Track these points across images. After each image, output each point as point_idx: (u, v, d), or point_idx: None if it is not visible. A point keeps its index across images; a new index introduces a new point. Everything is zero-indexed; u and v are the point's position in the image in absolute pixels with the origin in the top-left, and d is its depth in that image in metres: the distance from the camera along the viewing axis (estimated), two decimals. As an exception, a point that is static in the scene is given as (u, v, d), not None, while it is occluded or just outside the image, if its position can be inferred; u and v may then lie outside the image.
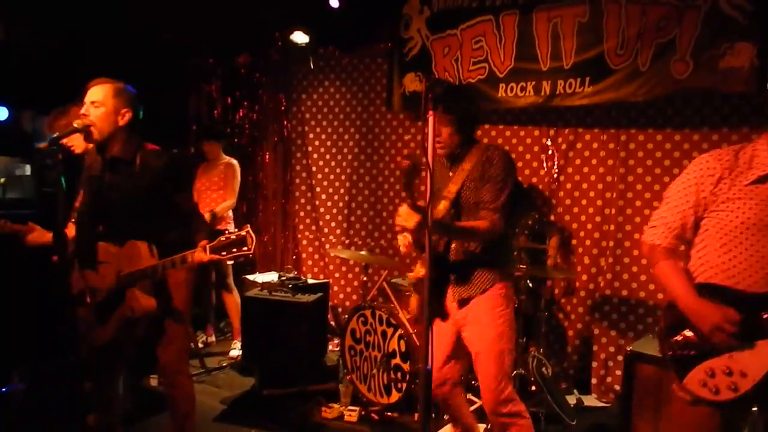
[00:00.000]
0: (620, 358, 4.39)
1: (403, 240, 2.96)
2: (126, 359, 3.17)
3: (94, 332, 2.95)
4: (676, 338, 2.19)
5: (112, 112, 2.90)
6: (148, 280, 2.88)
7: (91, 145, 3.87)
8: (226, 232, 2.72)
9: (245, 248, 2.60)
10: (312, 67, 5.95)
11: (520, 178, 4.92)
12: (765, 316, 2.02)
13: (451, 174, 2.95)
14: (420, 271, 2.96)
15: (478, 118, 3.07)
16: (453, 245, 2.93)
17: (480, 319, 2.88)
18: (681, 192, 2.24)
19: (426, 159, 2.03)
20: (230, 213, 5.50)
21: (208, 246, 2.68)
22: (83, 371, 2.95)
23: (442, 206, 2.91)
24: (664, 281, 2.28)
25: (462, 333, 2.97)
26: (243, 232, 2.61)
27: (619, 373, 4.39)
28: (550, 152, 4.88)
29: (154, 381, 4.63)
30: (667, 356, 2.22)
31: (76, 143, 3.92)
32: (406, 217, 2.58)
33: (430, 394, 2.16)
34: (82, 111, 2.91)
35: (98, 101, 2.89)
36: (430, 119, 2.02)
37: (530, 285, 4.39)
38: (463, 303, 2.92)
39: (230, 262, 5.37)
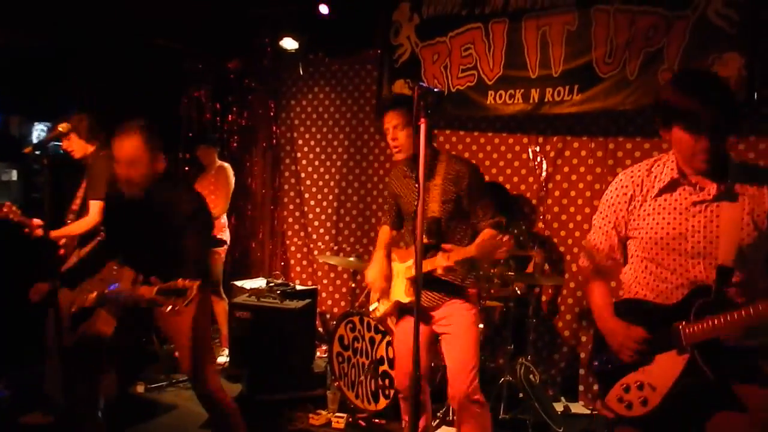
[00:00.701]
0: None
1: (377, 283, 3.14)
2: (100, 368, 3.11)
3: (66, 335, 2.94)
4: (602, 354, 2.23)
5: (150, 162, 2.86)
6: (114, 306, 2.84)
7: (91, 148, 3.88)
8: (225, 246, 2.68)
9: (182, 299, 2.51)
10: (301, 73, 5.95)
11: (508, 186, 4.94)
12: (675, 327, 2.03)
13: (416, 186, 2.92)
14: (380, 308, 3.20)
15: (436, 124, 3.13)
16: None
17: (453, 313, 3.03)
18: (602, 214, 2.31)
19: (420, 172, 2.03)
20: (224, 219, 5.47)
21: (157, 286, 2.58)
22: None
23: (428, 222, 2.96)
24: (589, 301, 2.35)
25: (436, 330, 3.10)
26: (188, 285, 2.51)
27: (606, 380, 4.39)
28: (538, 160, 4.89)
29: (141, 388, 4.60)
30: (593, 371, 2.27)
31: (75, 148, 3.92)
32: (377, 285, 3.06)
33: (418, 400, 2.15)
34: (120, 172, 2.85)
35: (134, 159, 2.81)
36: (422, 127, 2.02)
37: (518, 292, 4.39)
38: (435, 308, 3.06)
39: (220, 269, 5.35)
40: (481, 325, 4.09)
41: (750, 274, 2.02)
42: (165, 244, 2.83)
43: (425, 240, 2.96)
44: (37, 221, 3.76)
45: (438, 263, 2.83)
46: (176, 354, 3.17)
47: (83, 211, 3.89)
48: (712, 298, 1.99)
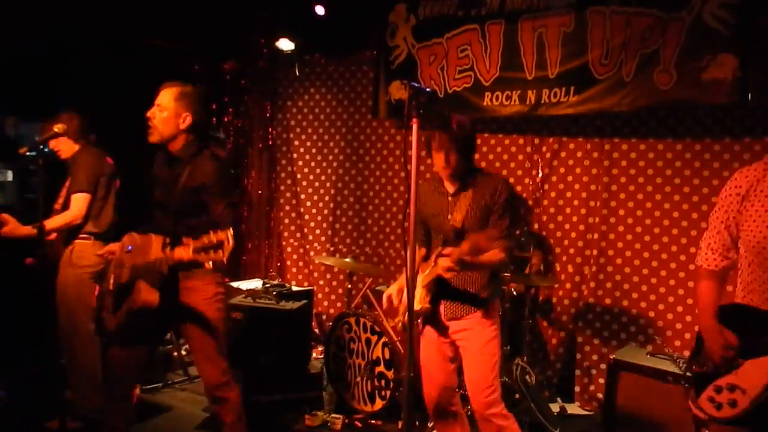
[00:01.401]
0: (603, 366, 4.40)
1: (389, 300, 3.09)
2: (142, 359, 3.12)
3: (107, 319, 2.94)
4: (700, 356, 2.26)
5: (173, 116, 2.96)
6: (156, 275, 2.82)
7: (77, 148, 3.87)
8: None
9: (220, 251, 2.56)
10: (297, 74, 5.95)
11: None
12: None
13: (450, 200, 3.01)
14: (416, 305, 3.02)
15: (475, 142, 3.10)
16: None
17: (474, 326, 2.99)
18: (716, 213, 2.30)
19: (411, 172, 2.03)
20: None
21: (192, 244, 2.65)
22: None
23: (447, 231, 3.00)
24: (698, 301, 2.36)
25: (456, 342, 3.06)
26: (222, 237, 2.56)
27: (602, 381, 4.40)
28: (534, 161, 4.90)
29: (137, 389, 4.58)
30: (691, 372, 2.30)
31: (63, 148, 3.91)
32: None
33: (413, 401, 2.15)
34: (149, 113, 2.97)
35: (162, 104, 2.96)
36: (414, 127, 2.02)
37: (514, 293, 4.39)
38: (454, 320, 3.03)
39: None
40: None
41: None
42: (194, 207, 2.92)
43: (441, 249, 3.00)
44: (5, 218, 3.71)
45: (441, 265, 2.84)
46: (197, 356, 3.09)
47: (66, 208, 3.83)
48: None
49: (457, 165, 2.92)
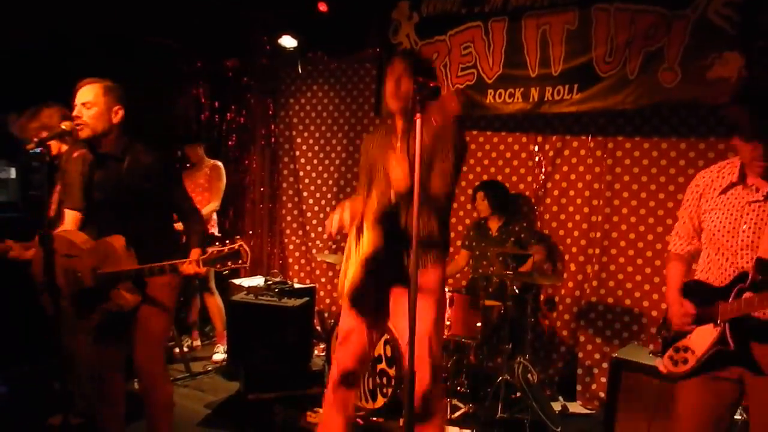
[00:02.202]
0: (605, 365, 4.39)
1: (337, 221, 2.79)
2: (122, 352, 3.11)
3: (76, 324, 2.94)
4: (666, 324, 2.68)
5: (105, 110, 2.92)
6: (131, 279, 2.85)
7: (65, 147, 3.79)
8: (217, 244, 2.71)
9: (240, 261, 2.67)
10: (300, 71, 5.94)
11: (507, 184, 4.92)
12: (716, 305, 2.40)
13: (397, 144, 2.82)
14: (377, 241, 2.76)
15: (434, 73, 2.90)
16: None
17: (427, 286, 2.78)
18: (683, 207, 2.70)
19: (415, 158, 2.02)
20: (214, 216, 5.47)
21: (200, 259, 2.70)
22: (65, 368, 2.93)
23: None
24: (666, 279, 2.80)
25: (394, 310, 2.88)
26: (236, 246, 2.64)
27: (603, 380, 4.39)
28: (537, 159, 4.89)
29: (136, 384, 4.56)
30: (661, 336, 2.69)
31: (51, 145, 3.83)
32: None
33: (413, 397, 2.14)
34: (75, 113, 2.91)
35: (89, 101, 2.90)
36: (418, 122, 2.01)
37: (516, 291, 4.38)
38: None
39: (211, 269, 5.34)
40: (479, 324, 4.10)
41: None
42: (142, 202, 2.91)
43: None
44: (9, 244, 3.66)
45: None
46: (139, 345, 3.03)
47: (59, 217, 3.59)
48: (748, 284, 2.34)
49: (408, 95, 2.64)
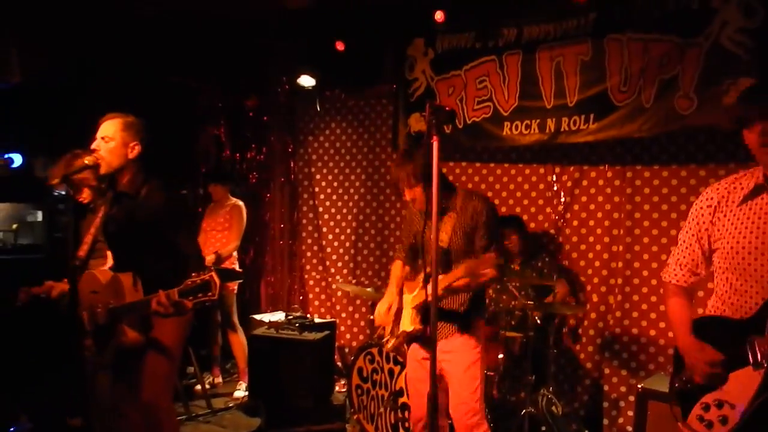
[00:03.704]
0: (632, 398, 4.30)
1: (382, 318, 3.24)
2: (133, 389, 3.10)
3: (94, 360, 2.95)
4: (681, 374, 2.20)
5: (122, 145, 2.98)
6: (135, 314, 2.87)
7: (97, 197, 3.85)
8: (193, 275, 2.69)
9: (210, 293, 2.57)
10: (318, 109, 6.04)
11: (525, 217, 4.92)
12: (751, 341, 1.96)
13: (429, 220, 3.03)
14: (390, 341, 3.25)
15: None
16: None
17: (457, 348, 3.05)
18: (686, 228, 2.29)
19: (433, 188, 2.05)
20: (235, 254, 5.50)
21: (175, 290, 2.62)
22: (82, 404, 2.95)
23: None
24: (669, 319, 2.36)
25: (440, 362, 2.99)
26: (206, 276, 2.57)
27: (630, 413, 4.29)
28: (555, 190, 4.89)
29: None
30: (674, 390, 2.23)
31: (84, 195, 3.90)
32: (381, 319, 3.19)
33: (436, 420, 2.13)
34: (93, 146, 2.98)
35: (108, 136, 2.97)
36: (434, 145, 2.05)
37: (538, 322, 4.33)
38: (439, 338, 2.95)
39: (232, 302, 5.37)
40: (501, 356, 4.05)
41: None
42: (154, 244, 2.93)
43: (429, 270, 2.95)
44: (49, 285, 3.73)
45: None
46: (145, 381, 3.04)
47: (90, 257, 3.78)
48: None
49: (421, 199, 3.03)
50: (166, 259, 2.92)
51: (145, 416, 3.07)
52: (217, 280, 2.56)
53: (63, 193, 2.91)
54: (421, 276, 3.06)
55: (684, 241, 2.29)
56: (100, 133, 2.99)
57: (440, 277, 2.84)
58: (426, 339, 3.05)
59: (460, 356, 3.03)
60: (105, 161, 2.94)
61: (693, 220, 2.25)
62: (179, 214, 3.04)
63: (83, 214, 3.86)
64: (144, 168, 3.05)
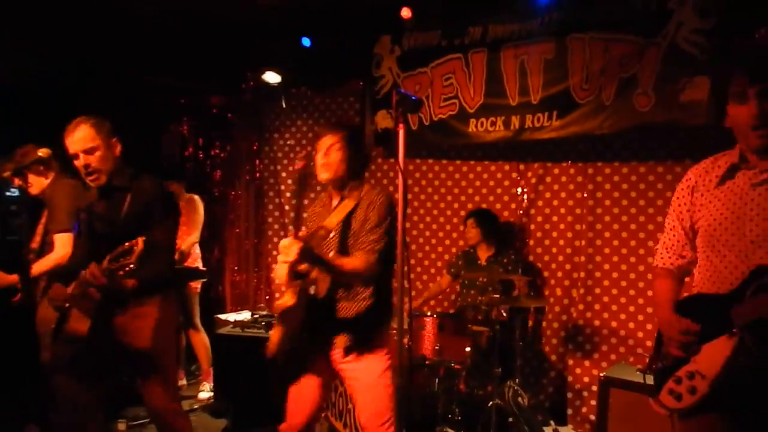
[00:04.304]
0: (594, 387, 4.39)
1: (280, 271, 2.69)
2: (93, 392, 3.05)
3: (45, 353, 2.91)
4: (660, 352, 2.22)
5: (107, 148, 2.93)
6: (89, 303, 2.80)
7: (47, 182, 3.76)
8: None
9: (128, 258, 2.56)
10: (284, 106, 6.02)
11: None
12: (727, 312, 1.97)
13: (331, 207, 2.88)
14: (288, 300, 2.73)
15: (368, 160, 3.02)
16: (339, 293, 2.82)
17: (364, 357, 2.81)
18: (670, 211, 2.31)
19: (399, 167, 2.07)
20: (197, 250, 5.44)
21: (106, 258, 2.63)
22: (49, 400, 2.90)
23: (320, 236, 2.79)
24: (654, 301, 2.36)
25: (342, 372, 2.89)
26: (133, 241, 2.56)
27: (593, 402, 4.39)
28: (520, 186, 4.97)
29: (122, 426, 4.49)
30: (654, 369, 2.23)
31: (34, 183, 3.81)
32: (287, 249, 2.46)
33: (405, 410, 2.14)
34: (81, 164, 2.89)
35: (90, 146, 2.89)
36: (401, 133, 2.07)
37: (504, 315, 4.40)
38: (348, 351, 2.83)
39: (196, 301, 5.31)
40: (468, 349, 4.10)
41: None
42: (139, 233, 2.81)
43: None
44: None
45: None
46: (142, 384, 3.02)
47: (44, 247, 3.65)
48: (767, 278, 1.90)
49: (339, 168, 2.78)
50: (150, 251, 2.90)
51: (157, 422, 3.07)
52: (140, 245, 2.53)
53: (16, 193, 2.86)
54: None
55: (668, 224, 2.32)
56: (76, 148, 2.89)
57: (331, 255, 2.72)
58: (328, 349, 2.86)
59: (368, 365, 2.80)
60: (102, 172, 2.90)
61: (675, 202, 2.28)
62: (165, 205, 3.01)
63: (34, 209, 3.80)
64: (129, 162, 3.02)
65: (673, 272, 2.31)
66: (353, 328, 2.80)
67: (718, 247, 2.06)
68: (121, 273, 2.58)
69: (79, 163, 2.90)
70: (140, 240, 2.55)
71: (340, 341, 2.82)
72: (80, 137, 2.89)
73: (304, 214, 3.17)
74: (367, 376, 2.80)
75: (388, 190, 5.44)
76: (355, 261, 2.69)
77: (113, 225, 2.92)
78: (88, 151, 2.87)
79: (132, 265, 2.55)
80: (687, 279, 2.31)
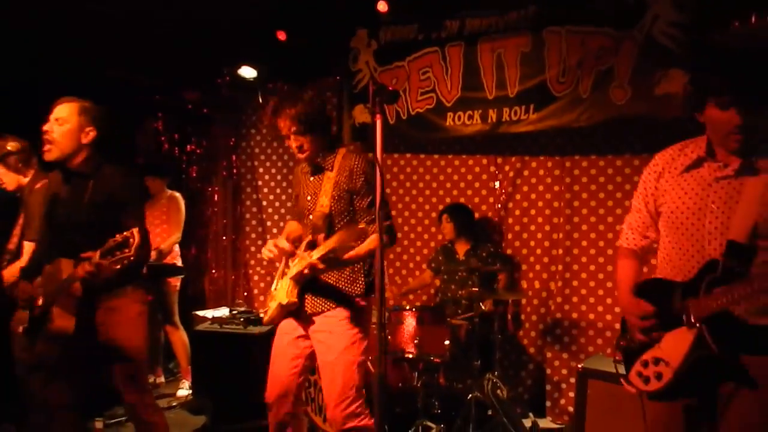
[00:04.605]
0: (572, 380, 4.42)
1: (270, 252, 2.97)
2: (69, 391, 3.00)
3: (22, 353, 2.85)
4: (626, 333, 2.28)
5: (77, 129, 2.89)
6: (71, 299, 2.77)
7: (25, 180, 3.69)
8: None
9: (126, 250, 2.53)
10: (261, 101, 5.96)
11: (469, 206, 4.99)
12: (685, 303, 2.04)
13: (312, 180, 2.95)
14: (291, 298, 2.83)
15: (330, 121, 3.03)
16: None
17: (334, 328, 2.85)
18: (636, 194, 2.35)
19: (377, 165, 2.05)
20: (177, 248, 5.39)
21: (97, 252, 2.60)
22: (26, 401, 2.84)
23: (316, 217, 2.87)
24: (615, 279, 2.43)
25: (314, 340, 2.93)
26: (127, 233, 2.53)
27: (572, 394, 4.41)
28: (497, 180, 4.98)
29: (99, 424, 4.44)
30: (620, 347, 2.30)
31: (8, 180, 3.73)
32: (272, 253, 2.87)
33: (384, 402, 2.13)
34: (45, 127, 2.87)
35: (63, 118, 2.87)
36: (378, 122, 2.06)
37: (483, 307, 4.41)
38: (316, 315, 2.89)
39: (174, 298, 5.26)
40: (447, 342, 4.10)
41: None
42: (103, 223, 2.81)
43: (311, 237, 2.87)
44: None
45: (305, 262, 2.71)
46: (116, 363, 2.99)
47: (21, 250, 3.53)
48: (719, 273, 1.98)
49: (311, 149, 2.84)
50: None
51: (132, 417, 3.07)
52: (137, 236, 2.51)
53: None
54: (304, 244, 2.89)
55: (634, 206, 2.36)
56: (54, 115, 2.89)
57: (319, 246, 2.75)
58: (303, 314, 2.90)
59: (337, 336, 2.82)
60: (57, 144, 2.85)
61: (641, 185, 2.32)
62: (133, 194, 2.97)
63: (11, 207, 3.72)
64: (100, 152, 2.96)
65: (636, 252, 2.36)
66: (325, 293, 2.86)
67: (677, 235, 2.13)
68: (119, 266, 2.57)
69: (45, 127, 2.88)
70: (135, 231, 2.52)
71: (310, 304, 2.88)
72: (60, 108, 2.91)
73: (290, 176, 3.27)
74: (330, 347, 2.84)
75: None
76: (370, 245, 2.78)
77: (77, 212, 2.86)
78: (59, 121, 2.87)
79: (132, 257, 2.53)
80: (654, 261, 2.35)
